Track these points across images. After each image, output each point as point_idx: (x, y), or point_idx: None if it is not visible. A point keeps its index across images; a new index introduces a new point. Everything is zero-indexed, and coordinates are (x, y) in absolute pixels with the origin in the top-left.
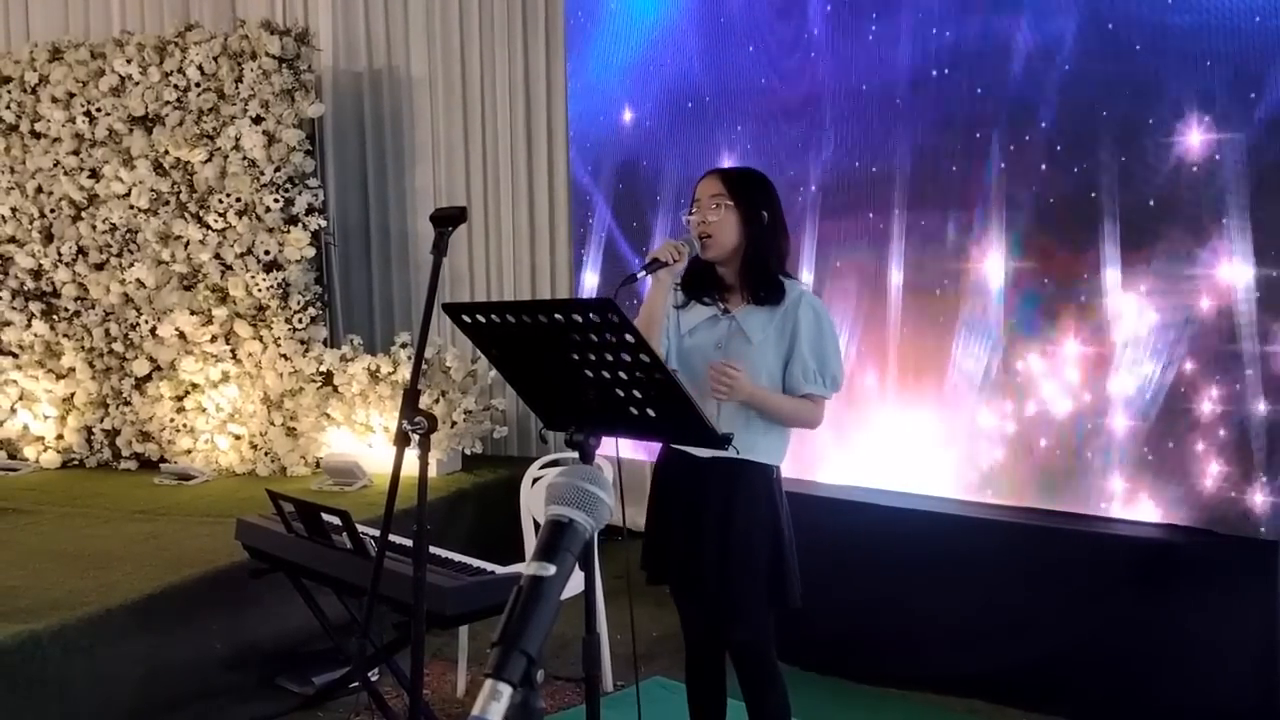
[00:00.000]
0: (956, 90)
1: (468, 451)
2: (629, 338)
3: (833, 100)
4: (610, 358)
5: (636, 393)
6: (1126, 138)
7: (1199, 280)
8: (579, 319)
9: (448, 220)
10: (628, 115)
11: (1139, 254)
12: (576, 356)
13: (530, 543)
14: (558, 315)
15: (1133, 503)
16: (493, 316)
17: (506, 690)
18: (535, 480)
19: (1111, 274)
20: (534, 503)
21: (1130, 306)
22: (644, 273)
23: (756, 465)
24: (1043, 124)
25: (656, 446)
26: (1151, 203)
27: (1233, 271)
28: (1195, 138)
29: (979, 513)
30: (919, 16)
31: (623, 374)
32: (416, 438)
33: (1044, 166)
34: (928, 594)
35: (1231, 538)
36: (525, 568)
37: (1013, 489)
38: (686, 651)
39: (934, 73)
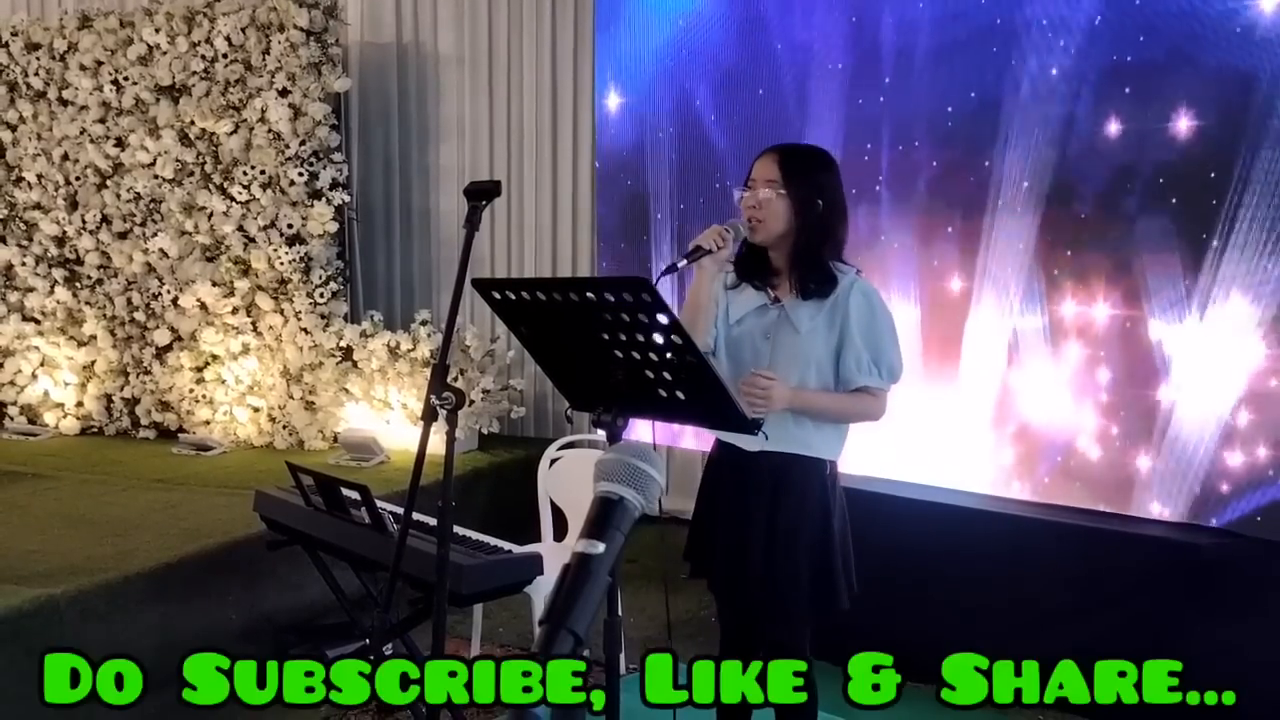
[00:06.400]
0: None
1: (484, 431)
2: (661, 318)
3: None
4: (641, 338)
5: (666, 374)
6: None
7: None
8: (611, 298)
9: (482, 194)
10: (657, 96)
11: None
12: (606, 336)
13: (547, 524)
14: (589, 293)
15: (1166, 503)
16: (523, 293)
17: None
18: (554, 461)
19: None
20: (552, 484)
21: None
22: (686, 262)
23: (809, 460)
24: None
25: (712, 437)
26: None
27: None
28: None
29: (1007, 509)
30: None
31: (653, 355)
32: (444, 413)
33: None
34: (954, 590)
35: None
36: (574, 545)
37: (1044, 487)
38: (720, 644)
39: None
